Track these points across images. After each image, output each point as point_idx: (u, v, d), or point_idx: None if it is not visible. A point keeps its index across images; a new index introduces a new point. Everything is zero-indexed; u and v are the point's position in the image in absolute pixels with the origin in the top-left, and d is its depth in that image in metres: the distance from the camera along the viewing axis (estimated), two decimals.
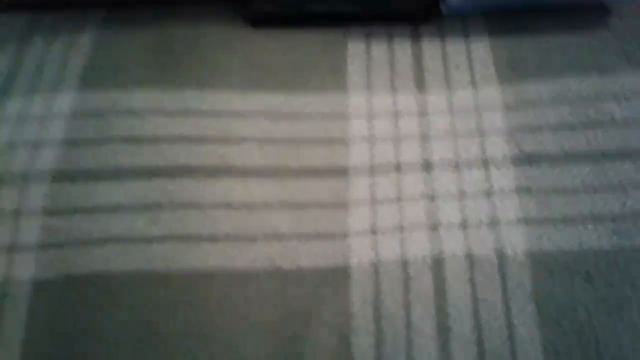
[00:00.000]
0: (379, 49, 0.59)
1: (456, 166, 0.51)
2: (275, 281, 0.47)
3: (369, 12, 0.61)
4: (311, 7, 0.60)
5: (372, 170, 0.52)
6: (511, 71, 0.56)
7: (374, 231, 0.48)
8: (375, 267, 0.47)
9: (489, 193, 0.49)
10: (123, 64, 0.59)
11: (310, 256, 0.47)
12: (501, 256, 0.46)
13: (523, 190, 0.49)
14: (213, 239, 0.49)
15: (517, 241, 0.47)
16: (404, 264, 0.46)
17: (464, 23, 0.60)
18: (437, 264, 0.46)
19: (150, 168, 0.52)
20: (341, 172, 0.52)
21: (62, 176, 0.52)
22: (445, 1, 0.56)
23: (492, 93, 0.55)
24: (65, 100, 0.56)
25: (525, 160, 0.51)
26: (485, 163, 0.51)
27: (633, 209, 0.47)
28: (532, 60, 0.56)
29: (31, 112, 0.55)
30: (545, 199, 0.48)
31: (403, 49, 0.59)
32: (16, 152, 0.53)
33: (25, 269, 0.48)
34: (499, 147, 0.52)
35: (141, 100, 0.56)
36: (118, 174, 0.52)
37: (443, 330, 0.43)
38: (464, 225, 0.48)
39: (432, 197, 0.49)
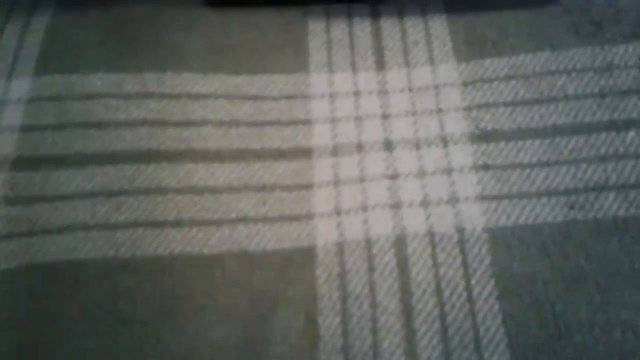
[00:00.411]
0: (338, 28, 0.59)
1: (416, 145, 0.52)
2: (242, 265, 0.47)
3: None
4: None
5: (335, 150, 0.52)
6: (468, 48, 0.57)
7: (338, 212, 0.49)
8: (340, 247, 0.47)
9: (448, 171, 0.50)
10: (80, 46, 0.58)
11: (276, 238, 0.48)
12: (461, 232, 0.47)
13: (481, 167, 0.50)
14: (178, 224, 0.49)
15: (475, 217, 0.48)
16: (368, 244, 0.47)
17: (421, 1, 0.60)
18: (400, 242, 0.47)
19: (112, 153, 0.52)
20: (305, 153, 0.52)
21: (22, 163, 0.51)
22: None
23: (449, 70, 0.56)
24: (22, 85, 0.55)
25: (482, 137, 0.52)
26: (444, 141, 0.52)
27: (585, 182, 0.49)
28: (489, 37, 0.57)
29: None
30: (502, 175, 0.50)
31: (362, 28, 0.59)
32: None
33: None
34: (457, 124, 0.53)
35: (100, 84, 0.55)
36: (79, 160, 0.52)
37: (407, 308, 0.45)
38: (424, 203, 0.49)
39: (393, 177, 0.50)
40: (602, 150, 0.50)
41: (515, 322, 0.44)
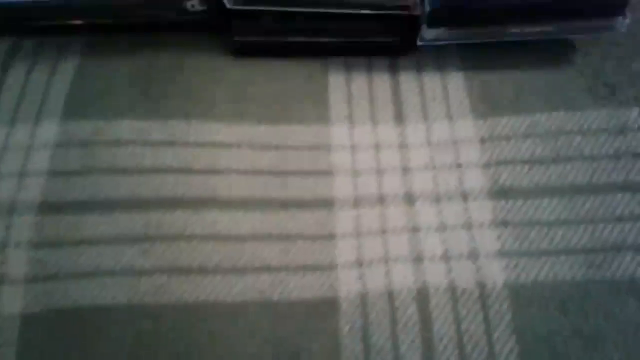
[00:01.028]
0: (358, 81, 0.61)
1: (436, 199, 0.53)
2: (265, 314, 0.48)
3: (348, 44, 0.62)
4: (292, 38, 0.62)
5: (357, 202, 0.53)
6: (485, 105, 0.59)
7: (360, 263, 0.50)
8: (363, 299, 0.48)
9: (468, 225, 0.51)
10: (106, 92, 0.59)
11: (299, 288, 0.49)
12: (482, 288, 0.48)
13: (500, 223, 0.51)
14: (202, 271, 0.50)
15: (496, 273, 0.49)
16: (390, 296, 0.48)
17: (439, 57, 0.62)
18: (422, 296, 0.48)
19: (137, 199, 0.53)
20: (327, 203, 0.53)
21: (48, 208, 0.52)
22: (420, 34, 0.58)
23: (467, 126, 0.57)
24: (49, 130, 0.56)
25: (501, 193, 0.53)
26: (464, 196, 0.53)
27: (602, 242, 0.50)
28: (505, 95, 0.59)
29: (15, 141, 0.55)
30: (521, 232, 0.51)
31: (382, 81, 0.61)
32: (0, 182, 0.53)
33: (14, 302, 0.48)
34: (476, 180, 0.54)
35: (126, 131, 0.56)
36: (104, 206, 0.52)
37: None
38: (445, 257, 0.50)
39: (414, 230, 0.51)
40: (618, 211, 0.51)
41: None
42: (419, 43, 0.59)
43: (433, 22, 0.57)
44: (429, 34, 0.58)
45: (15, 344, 0.46)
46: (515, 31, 0.58)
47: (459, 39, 0.59)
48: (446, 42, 0.60)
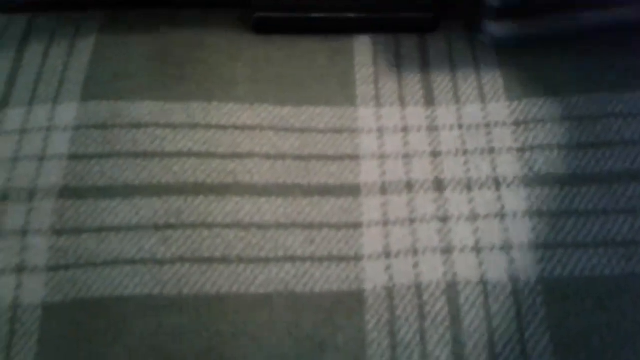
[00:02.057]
0: (386, 60, 0.58)
1: (468, 186, 0.51)
2: (289, 306, 0.47)
3: (375, 20, 0.60)
4: (316, 14, 0.59)
5: (384, 188, 0.51)
6: (519, 86, 0.56)
7: (387, 254, 0.48)
8: (390, 292, 0.47)
9: (501, 215, 0.49)
10: (125, 72, 0.57)
11: (324, 280, 0.47)
12: (515, 282, 0.46)
13: (535, 213, 0.49)
14: (224, 261, 0.48)
15: (530, 266, 0.47)
16: (418, 289, 0.47)
17: (471, 34, 0.59)
18: (452, 289, 0.46)
19: (158, 185, 0.51)
20: (353, 190, 0.51)
21: (69, 193, 0.51)
22: (484, 30, 0.54)
23: (501, 108, 0.55)
24: (68, 111, 0.55)
25: (536, 180, 0.51)
26: (496, 183, 0.51)
27: None
28: (541, 76, 0.56)
29: (33, 124, 0.54)
30: (557, 222, 0.49)
31: (411, 60, 0.58)
32: (20, 166, 0.52)
33: (35, 292, 0.47)
34: (510, 166, 0.52)
35: (146, 112, 0.55)
36: (126, 191, 0.51)
37: None
38: (477, 248, 0.48)
39: (444, 219, 0.50)
40: None
41: None
42: (482, 39, 0.55)
43: (501, 14, 0.53)
44: (495, 28, 0.54)
45: (37, 333, 0.46)
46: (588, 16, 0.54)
47: (530, 32, 0.56)
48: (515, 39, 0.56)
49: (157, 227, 0.50)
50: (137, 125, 0.54)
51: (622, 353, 0.44)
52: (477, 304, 0.46)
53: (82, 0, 0.60)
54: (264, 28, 0.60)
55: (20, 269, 0.48)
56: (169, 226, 0.50)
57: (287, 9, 0.60)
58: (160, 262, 0.48)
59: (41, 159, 0.53)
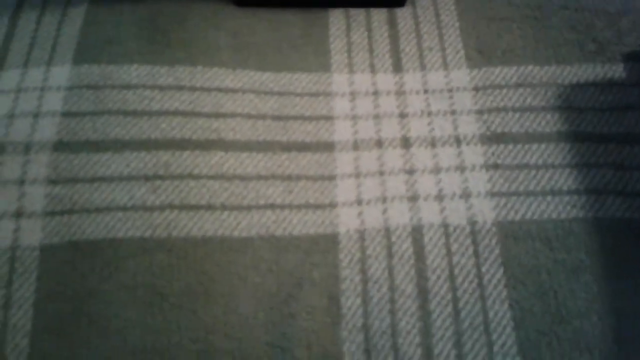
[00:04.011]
0: (358, 31, 0.63)
1: (432, 143, 0.56)
2: (270, 247, 0.51)
3: None
4: None
5: (356, 145, 0.56)
6: (479, 55, 0.61)
7: (359, 202, 0.53)
8: (361, 235, 0.51)
9: (461, 168, 0.55)
10: (115, 38, 0.61)
11: (302, 224, 0.52)
12: (473, 225, 0.52)
13: (491, 166, 0.55)
14: (210, 208, 0.53)
15: (486, 212, 0.52)
16: (387, 232, 0.51)
17: (436, 9, 0.64)
18: (417, 232, 0.51)
19: (147, 140, 0.55)
20: (327, 146, 0.56)
21: (63, 147, 0.55)
22: None
23: (462, 75, 0.60)
24: (61, 73, 0.58)
25: (493, 138, 0.56)
26: (457, 140, 0.56)
27: (586, 185, 0.53)
28: (499, 47, 0.61)
29: (28, 84, 0.57)
30: (511, 175, 0.54)
31: (381, 32, 0.63)
32: (16, 122, 0.55)
33: (33, 235, 0.51)
34: (469, 126, 0.57)
35: (135, 75, 0.58)
36: (116, 145, 0.55)
37: (423, 292, 0.49)
38: (439, 197, 0.53)
39: (410, 171, 0.54)
40: (602, 159, 0.55)
41: (521, 307, 0.49)
42: None
43: None
44: None
45: (36, 271, 0.49)
46: None
47: None
48: None
49: (146, 178, 0.54)
50: (127, 87, 0.58)
51: (567, 285, 0.49)
52: (439, 244, 0.51)
53: None
54: (246, 1, 0.64)
55: (18, 214, 0.51)
56: (157, 177, 0.54)
57: None
58: (150, 209, 0.52)
59: (36, 115, 0.56)
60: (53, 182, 0.53)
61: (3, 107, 0.56)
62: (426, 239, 0.51)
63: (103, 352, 0.47)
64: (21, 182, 0.53)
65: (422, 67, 0.61)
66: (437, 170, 0.54)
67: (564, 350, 0.47)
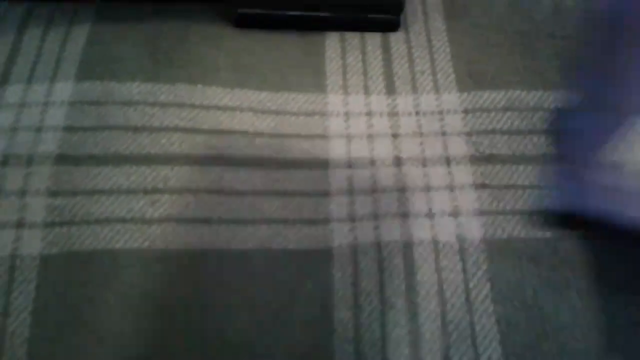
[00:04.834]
0: (353, 54, 0.65)
1: (423, 163, 0.58)
2: (265, 260, 0.52)
3: (345, 19, 0.67)
4: (292, 12, 0.66)
5: (350, 163, 0.58)
6: (469, 80, 0.63)
7: (352, 218, 0.55)
8: (354, 249, 0.53)
9: (451, 187, 0.56)
10: (117, 57, 0.63)
11: (297, 239, 0.53)
12: (462, 242, 0.53)
13: (480, 186, 0.57)
14: (207, 221, 0.54)
15: (475, 229, 0.54)
16: (378, 247, 0.53)
17: (429, 35, 0.67)
18: (407, 248, 0.53)
19: (147, 155, 0.57)
20: (322, 164, 0.58)
21: (64, 160, 0.56)
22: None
23: (452, 98, 0.62)
24: (64, 89, 0.60)
25: (482, 159, 0.58)
26: (447, 161, 0.58)
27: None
28: (488, 72, 0.64)
29: (32, 99, 0.59)
30: (498, 194, 0.56)
31: (375, 55, 0.65)
32: (19, 136, 0.57)
33: (33, 244, 0.52)
34: (459, 147, 0.59)
35: (136, 92, 0.60)
36: (117, 159, 0.56)
37: (412, 306, 0.51)
38: (429, 215, 0.55)
39: (402, 190, 0.56)
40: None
41: (507, 322, 0.50)
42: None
43: None
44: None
45: (35, 280, 0.50)
46: None
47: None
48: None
49: (145, 191, 0.55)
50: (128, 103, 0.60)
51: (552, 301, 0.51)
52: (428, 259, 0.53)
53: None
54: (245, 23, 0.66)
55: (19, 225, 0.53)
56: (156, 190, 0.55)
57: (266, 6, 0.66)
58: (149, 221, 0.54)
59: (38, 129, 0.57)
60: (54, 194, 0.54)
61: (6, 120, 0.58)
62: (416, 254, 0.53)
63: (100, 359, 0.48)
64: (23, 193, 0.54)
65: (414, 89, 0.63)
66: (427, 188, 0.56)
67: None
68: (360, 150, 0.59)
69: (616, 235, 0.53)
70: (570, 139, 0.56)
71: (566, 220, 0.54)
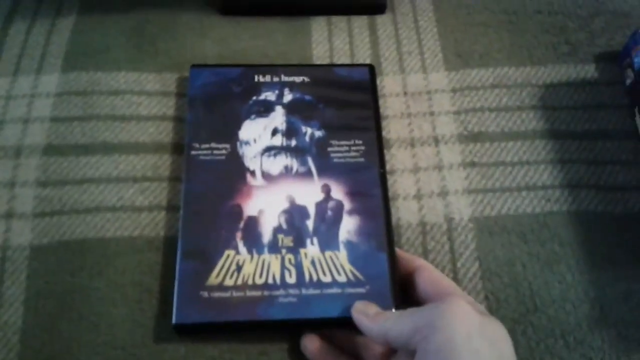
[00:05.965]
0: (340, 36, 0.65)
1: (411, 143, 0.58)
2: None
3: (330, 3, 0.66)
4: None
5: None
6: (457, 59, 0.63)
7: None
8: None
9: (439, 167, 0.56)
10: (103, 47, 0.63)
11: None
12: (449, 222, 0.53)
13: (468, 164, 0.56)
14: None
15: (463, 208, 0.54)
16: None
17: (415, 16, 0.66)
18: (395, 230, 0.53)
19: (135, 143, 0.57)
20: None
21: (52, 150, 0.56)
22: None
23: (440, 78, 0.62)
24: (50, 81, 0.60)
25: (470, 138, 0.58)
26: (436, 140, 0.58)
27: (560, 180, 0.55)
28: (475, 50, 0.64)
29: (18, 91, 0.59)
30: (487, 172, 0.56)
31: (362, 37, 0.65)
32: (6, 128, 0.57)
33: (23, 235, 0.52)
34: (447, 126, 0.59)
35: (123, 82, 0.60)
36: (105, 148, 0.57)
37: None
38: (418, 196, 0.55)
39: (391, 171, 0.56)
40: (575, 155, 0.57)
41: (496, 298, 0.50)
42: None
43: None
44: None
45: (26, 270, 0.51)
46: None
47: None
48: None
49: (135, 179, 0.55)
50: (115, 93, 0.60)
51: (541, 276, 0.51)
52: (416, 242, 0.53)
53: None
54: (231, 10, 0.66)
55: (8, 216, 0.53)
56: (146, 179, 0.55)
57: None
58: (139, 209, 0.54)
59: (26, 121, 0.58)
60: (43, 184, 0.55)
61: None
62: (404, 238, 0.53)
63: (93, 347, 0.48)
64: (12, 184, 0.54)
65: (402, 70, 0.63)
66: (416, 170, 0.56)
67: (539, 337, 0.49)
68: None
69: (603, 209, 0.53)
70: None
71: None
